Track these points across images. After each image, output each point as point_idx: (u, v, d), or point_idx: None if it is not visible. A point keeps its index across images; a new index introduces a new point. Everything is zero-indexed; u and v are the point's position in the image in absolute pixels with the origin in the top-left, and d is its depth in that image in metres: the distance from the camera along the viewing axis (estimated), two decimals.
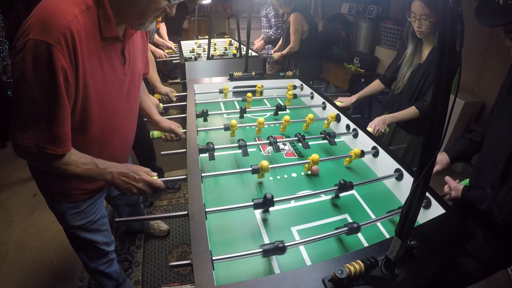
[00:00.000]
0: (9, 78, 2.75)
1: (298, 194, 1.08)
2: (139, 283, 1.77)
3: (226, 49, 3.19)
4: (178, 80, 2.83)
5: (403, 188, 1.11)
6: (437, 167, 1.29)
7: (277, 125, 1.58)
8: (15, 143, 0.81)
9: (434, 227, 0.86)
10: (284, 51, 3.06)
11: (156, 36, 3.04)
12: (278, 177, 1.21)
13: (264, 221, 0.98)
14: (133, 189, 1.00)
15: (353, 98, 1.93)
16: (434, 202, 0.97)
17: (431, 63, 1.58)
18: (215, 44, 3.43)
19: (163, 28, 3.24)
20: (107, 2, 0.83)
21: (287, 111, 1.73)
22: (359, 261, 0.67)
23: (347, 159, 1.27)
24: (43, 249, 1.98)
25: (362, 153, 1.24)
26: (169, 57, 3.04)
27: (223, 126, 1.40)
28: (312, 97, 1.94)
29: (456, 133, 2.76)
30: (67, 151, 0.87)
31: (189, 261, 0.75)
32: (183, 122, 1.54)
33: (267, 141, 1.30)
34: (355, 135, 1.43)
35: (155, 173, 1.05)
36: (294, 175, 1.22)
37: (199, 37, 4.02)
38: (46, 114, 0.79)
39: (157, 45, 3.05)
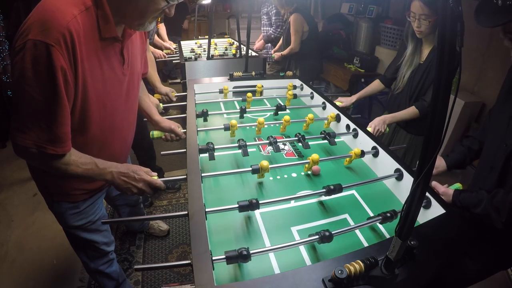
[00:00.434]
0: (9, 78, 2.75)
1: (298, 194, 1.08)
2: (139, 283, 1.77)
3: (226, 49, 3.19)
4: (178, 80, 2.83)
5: (403, 188, 1.11)
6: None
7: (277, 125, 1.58)
8: (15, 143, 0.82)
9: (434, 227, 0.86)
10: (285, 52, 3.06)
11: (155, 36, 3.05)
12: (278, 177, 1.21)
13: (264, 221, 0.98)
14: (133, 189, 1.00)
15: (353, 98, 1.93)
16: (434, 202, 0.97)
17: (431, 63, 1.58)
18: (215, 44, 3.43)
19: (162, 29, 3.24)
20: (106, 3, 0.83)
21: (287, 111, 1.73)
22: (359, 261, 0.67)
23: (347, 159, 1.27)
24: (43, 249, 1.98)
25: (362, 153, 1.24)
26: (168, 57, 3.04)
27: (223, 126, 1.40)
28: (312, 97, 1.94)
29: (456, 133, 2.76)
30: (67, 151, 0.87)
31: (189, 261, 0.75)
32: (183, 122, 1.54)
33: (267, 141, 1.30)
34: (355, 135, 1.43)
35: (155, 173, 1.05)
36: (294, 175, 1.22)
37: (199, 37, 4.02)
38: (46, 114, 0.79)
39: (156, 46, 3.05)
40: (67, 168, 0.89)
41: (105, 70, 0.91)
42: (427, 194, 0.99)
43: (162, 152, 1.29)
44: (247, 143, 1.25)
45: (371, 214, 1.03)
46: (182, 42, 3.49)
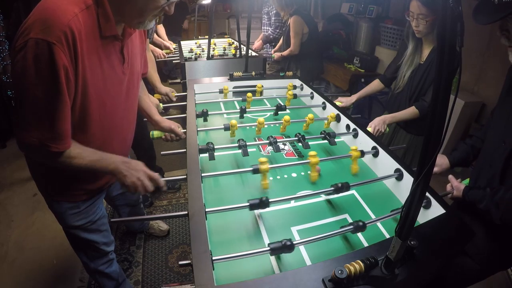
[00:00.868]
0: (9, 78, 2.75)
1: (298, 194, 1.08)
2: (139, 283, 1.77)
3: (225, 49, 3.19)
4: (178, 80, 2.83)
5: (403, 188, 1.11)
6: (436, 170, 1.30)
7: (277, 125, 1.58)
8: (20, 141, 0.83)
9: (434, 227, 0.86)
10: (285, 53, 3.07)
11: (155, 35, 3.04)
12: (278, 177, 1.21)
13: (264, 221, 0.98)
14: (132, 177, 0.98)
15: (353, 98, 1.93)
16: (434, 202, 0.97)
17: (431, 63, 1.58)
18: (214, 45, 3.43)
19: (161, 29, 3.24)
20: (106, 1, 0.83)
21: (287, 111, 1.73)
22: (359, 261, 0.67)
23: (354, 167, 1.24)
24: (43, 249, 1.98)
25: (362, 153, 1.24)
26: (168, 57, 3.04)
27: (223, 126, 1.40)
28: (312, 97, 1.94)
29: (456, 133, 2.76)
30: (68, 147, 0.88)
31: (189, 261, 0.75)
32: (183, 122, 1.54)
33: (267, 141, 1.30)
34: (355, 135, 1.43)
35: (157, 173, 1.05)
36: (294, 175, 1.22)
37: (199, 37, 4.02)
38: (48, 112, 0.80)
39: (156, 44, 3.05)
40: (71, 161, 0.90)
41: (105, 69, 0.91)
42: (427, 194, 0.99)
43: (162, 152, 1.29)
44: (247, 143, 1.25)
45: (371, 214, 1.03)
46: (182, 42, 3.49)
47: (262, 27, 3.65)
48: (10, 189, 2.53)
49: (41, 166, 1.05)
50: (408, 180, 1.09)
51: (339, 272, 0.64)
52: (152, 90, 1.98)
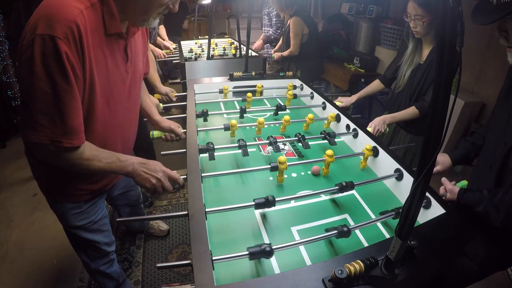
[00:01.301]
0: (9, 78, 2.75)
1: (298, 194, 1.08)
2: (139, 283, 1.77)
3: (225, 49, 3.19)
4: (178, 80, 2.84)
5: (403, 188, 1.11)
6: (438, 168, 1.30)
7: (277, 125, 1.58)
8: (29, 142, 0.81)
9: (434, 227, 0.86)
10: (285, 53, 3.07)
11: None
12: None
13: (264, 221, 0.98)
14: (152, 179, 0.99)
15: (353, 98, 1.93)
16: (434, 202, 0.97)
17: (431, 63, 1.58)
18: (216, 45, 3.43)
19: (161, 30, 3.25)
20: None
21: (287, 111, 1.73)
22: (359, 261, 0.67)
23: (362, 162, 1.27)
24: (43, 249, 1.98)
25: (375, 151, 1.26)
26: (168, 57, 3.04)
27: (223, 126, 1.40)
28: (312, 97, 1.94)
29: (456, 133, 2.76)
30: (82, 143, 0.87)
31: (189, 261, 0.75)
32: (183, 122, 1.54)
33: (267, 141, 1.30)
34: (355, 135, 1.43)
35: (175, 171, 1.05)
36: (294, 175, 1.22)
37: (199, 37, 4.02)
38: (58, 107, 0.79)
39: (156, 45, 3.05)
40: (89, 163, 0.89)
41: (109, 67, 0.91)
42: (427, 194, 0.99)
43: (162, 152, 1.29)
44: (247, 143, 1.25)
45: (371, 214, 1.03)
46: (182, 42, 3.49)
47: (263, 28, 3.66)
48: (10, 189, 2.53)
49: (44, 166, 1.04)
50: (408, 180, 1.09)
51: (339, 272, 0.64)
52: (152, 90, 1.98)
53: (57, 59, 0.74)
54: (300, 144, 1.34)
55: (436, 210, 0.96)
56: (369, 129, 1.50)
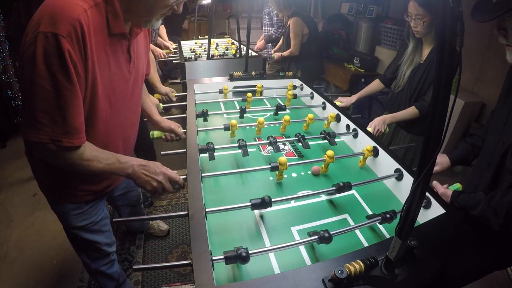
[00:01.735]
0: (9, 78, 2.74)
1: (298, 194, 1.08)
2: (139, 283, 1.77)
3: (227, 49, 3.19)
4: (178, 80, 2.84)
5: (403, 188, 1.11)
6: (437, 168, 1.30)
7: (277, 125, 1.58)
8: (29, 141, 0.80)
9: (434, 227, 0.86)
10: (285, 53, 3.07)
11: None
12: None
13: (264, 221, 0.98)
14: (153, 182, 0.98)
15: (353, 98, 1.93)
16: (434, 202, 0.97)
17: (431, 63, 1.58)
18: (217, 45, 3.43)
19: (162, 30, 3.25)
20: None
21: (287, 111, 1.73)
22: (359, 261, 0.67)
23: (361, 160, 1.28)
24: (43, 249, 1.98)
25: (375, 151, 1.25)
26: (168, 57, 3.04)
27: (223, 126, 1.40)
28: (312, 97, 1.94)
29: (456, 133, 2.76)
30: (83, 142, 0.86)
31: (189, 261, 0.75)
32: (183, 122, 1.54)
33: (267, 141, 1.30)
34: (355, 135, 1.43)
35: (175, 171, 1.05)
36: (294, 175, 1.22)
37: (199, 37, 4.02)
38: (59, 105, 0.78)
39: (157, 45, 3.05)
40: (89, 164, 0.88)
41: (112, 67, 0.91)
42: (427, 194, 0.99)
43: (162, 152, 1.29)
44: (247, 143, 1.25)
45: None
46: (182, 42, 3.49)
47: (263, 28, 3.66)
48: (10, 189, 2.53)
49: (44, 166, 1.03)
50: (408, 180, 1.09)
51: (339, 272, 0.64)
52: (152, 90, 1.98)
53: (59, 57, 0.74)
54: (300, 144, 1.34)
55: (436, 210, 0.96)
56: (369, 129, 1.50)
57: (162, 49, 3.06)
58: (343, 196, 1.08)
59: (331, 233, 0.82)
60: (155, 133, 1.47)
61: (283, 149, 1.39)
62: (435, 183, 1.15)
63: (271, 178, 1.19)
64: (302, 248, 0.87)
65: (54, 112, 0.78)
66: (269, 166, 1.10)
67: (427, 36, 1.57)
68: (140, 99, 1.19)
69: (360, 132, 1.41)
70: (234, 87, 1.98)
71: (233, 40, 3.70)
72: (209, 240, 0.78)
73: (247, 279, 0.75)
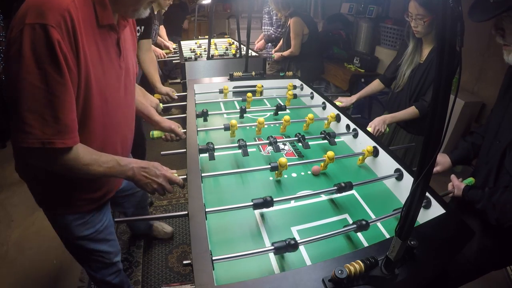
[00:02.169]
0: None
1: (298, 194, 1.08)
2: (139, 283, 1.77)
3: (227, 49, 3.19)
4: (178, 80, 2.83)
5: (403, 188, 1.11)
6: (437, 168, 1.30)
7: (277, 125, 1.58)
8: (18, 147, 0.74)
9: (434, 227, 0.86)
10: (285, 53, 3.07)
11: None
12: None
13: (264, 221, 0.98)
14: (153, 184, 0.97)
15: (353, 98, 1.93)
16: (434, 202, 0.97)
17: (431, 63, 1.58)
18: (215, 45, 3.43)
19: (162, 30, 3.26)
20: None
21: (287, 111, 1.73)
22: (359, 261, 0.67)
23: (360, 158, 1.28)
24: (43, 249, 1.97)
25: (376, 151, 1.26)
26: (168, 57, 3.04)
27: (223, 126, 1.40)
28: (312, 97, 1.94)
29: (456, 133, 2.76)
30: (76, 142, 0.81)
31: (189, 261, 0.75)
32: (183, 122, 1.54)
33: (267, 141, 1.30)
34: (355, 135, 1.43)
35: (174, 170, 1.05)
36: (294, 175, 1.22)
37: (199, 37, 4.02)
38: (50, 102, 0.72)
39: (157, 45, 3.06)
40: (88, 168, 0.85)
41: (104, 60, 0.88)
42: (427, 194, 0.99)
43: (162, 152, 1.29)
44: (247, 143, 1.25)
45: (371, 214, 1.03)
46: (182, 42, 3.49)
47: (263, 27, 3.66)
48: (10, 189, 2.53)
49: (39, 179, 0.99)
50: (408, 180, 1.09)
51: (339, 272, 0.64)
52: (152, 90, 1.98)
53: (48, 48, 0.69)
54: (300, 144, 1.34)
55: (436, 210, 0.96)
56: (369, 129, 1.50)
57: (162, 49, 3.06)
58: (343, 196, 1.08)
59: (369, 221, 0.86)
60: (155, 133, 1.46)
61: (283, 149, 1.39)
62: (452, 176, 1.21)
63: (271, 178, 1.19)
64: (302, 248, 0.87)
65: (44, 111, 0.72)
66: (269, 166, 1.10)
67: (427, 36, 1.57)
68: (134, 96, 1.16)
69: (360, 132, 1.41)
70: (234, 87, 1.98)
71: (233, 40, 3.70)
72: (209, 240, 0.78)
73: (247, 279, 0.75)
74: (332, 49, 4.05)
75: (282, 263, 0.83)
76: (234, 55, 2.83)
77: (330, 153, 1.16)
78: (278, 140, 1.30)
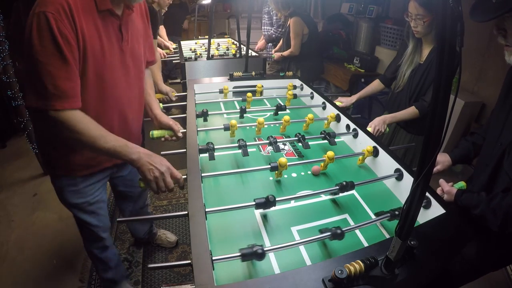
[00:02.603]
0: (9, 78, 2.74)
1: (298, 194, 1.08)
2: (139, 283, 1.77)
3: (227, 49, 3.19)
4: (178, 80, 2.84)
5: (403, 188, 1.11)
6: (438, 167, 1.30)
7: (277, 125, 1.58)
8: (28, 110, 0.92)
9: (434, 227, 0.86)
10: (285, 53, 3.07)
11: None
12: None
13: (264, 221, 0.98)
14: (155, 171, 1.00)
15: (353, 98, 1.93)
16: (434, 202, 0.97)
17: (431, 63, 1.58)
18: (218, 45, 3.43)
19: (162, 30, 3.26)
20: None
21: (287, 111, 1.73)
22: (359, 261, 0.67)
23: (360, 158, 1.28)
24: (43, 249, 1.98)
25: (376, 151, 1.26)
26: (168, 57, 3.04)
27: (223, 126, 1.40)
28: (312, 97, 1.94)
29: (456, 133, 2.76)
30: (77, 106, 0.94)
31: (189, 261, 0.75)
32: (183, 122, 1.54)
33: (267, 141, 1.30)
34: (355, 135, 1.43)
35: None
36: (294, 175, 1.22)
37: (199, 37, 4.02)
38: (50, 72, 0.87)
39: (157, 45, 3.06)
40: (95, 141, 0.95)
41: (104, 42, 0.99)
42: (427, 194, 0.99)
43: (162, 152, 1.28)
44: (247, 143, 1.25)
45: (371, 215, 1.03)
46: (182, 42, 3.49)
47: (263, 27, 3.66)
48: (10, 189, 2.53)
49: (47, 139, 1.12)
50: (408, 180, 1.09)
51: (339, 272, 0.64)
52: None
53: (49, 30, 0.85)
54: (300, 144, 1.34)
55: (436, 210, 0.96)
56: (369, 129, 1.50)
57: (162, 49, 3.06)
58: (343, 196, 1.08)
59: (343, 229, 0.83)
60: (155, 133, 1.46)
61: (283, 149, 1.39)
62: (441, 181, 1.16)
63: (271, 178, 1.19)
64: (302, 248, 0.87)
65: (46, 79, 0.87)
66: (269, 166, 1.10)
67: (427, 36, 1.57)
68: (141, 81, 1.24)
69: (360, 132, 1.41)
70: (234, 87, 1.98)
71: (233, 40, 3.70)
72: (209, 240, 0.78)
73: (247, 279, 0.75)
74: (332, 49, 4.05)
75: (282, 263, 0.83)
76: (234, 55, 2.83)
77: (330, 153, 1.16)
78: (278, 140, 1.30)
